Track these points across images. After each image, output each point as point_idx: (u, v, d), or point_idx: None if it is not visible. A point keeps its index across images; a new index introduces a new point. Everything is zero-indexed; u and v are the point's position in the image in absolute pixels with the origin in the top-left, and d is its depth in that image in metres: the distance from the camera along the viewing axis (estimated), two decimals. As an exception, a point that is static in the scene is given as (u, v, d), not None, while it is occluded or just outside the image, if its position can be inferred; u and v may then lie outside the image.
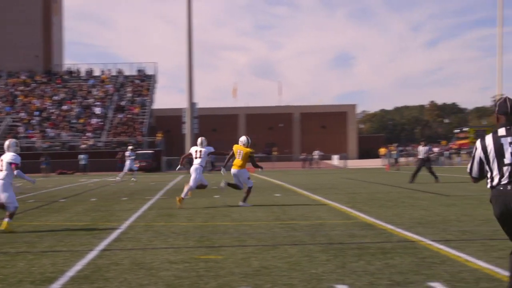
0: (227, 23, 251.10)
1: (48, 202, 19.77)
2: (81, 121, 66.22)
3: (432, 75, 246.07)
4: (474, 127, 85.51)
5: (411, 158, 65.22)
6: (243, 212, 15.13)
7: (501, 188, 5.51)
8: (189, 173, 15.51)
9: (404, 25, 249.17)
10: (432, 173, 28.01)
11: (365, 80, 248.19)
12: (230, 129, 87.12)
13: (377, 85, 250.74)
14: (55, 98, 71.15)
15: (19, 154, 12.67)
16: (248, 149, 17.11)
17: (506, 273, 7.22)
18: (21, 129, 64.25)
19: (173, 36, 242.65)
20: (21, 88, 73.63)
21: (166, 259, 8.61)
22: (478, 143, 5.71)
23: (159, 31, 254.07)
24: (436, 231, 10.97)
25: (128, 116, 67.08)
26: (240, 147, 17.16)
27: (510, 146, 5.48)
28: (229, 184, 17.29)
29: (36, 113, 67.51)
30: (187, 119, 57.20)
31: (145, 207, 17.10)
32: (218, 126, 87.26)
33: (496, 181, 5.57)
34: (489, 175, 5.67)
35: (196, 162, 17.37)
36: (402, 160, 60.34)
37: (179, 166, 18.28)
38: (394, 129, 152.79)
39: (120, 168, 39.80)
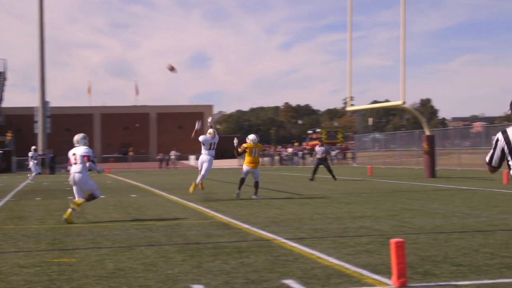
0: (81, 20, 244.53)
1: None
2: None
3: (286, 77, 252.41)
4: (326, 128, 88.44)
5: (266, 159, 66.49)
6: (98, 213, 14.81)
7: None
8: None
9: (259, 27, 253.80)
10: (330, 172, 29.06)
11: (221, 81, 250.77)
12: (85, 128, 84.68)
13: (234, 86, 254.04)
14: None
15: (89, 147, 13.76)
16: (260, 146, 18.76)
17: (355, 269, 7.52)
18: None
19: (23, 32, 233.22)
20: None
21: (16, 263, 8.26)
22: (500, 135, 5.94)
23: (8, 26, 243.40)
24: (289, 230, 11.24)
25: (-26, 114, 63.76)
26: (257, 145, 18.52)
27: None
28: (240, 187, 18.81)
29: None
30: (39, 118, 55.34)
31: (-7, 209, 16.32)
32: (72, 125, 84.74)
33: None
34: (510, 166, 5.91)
35: (207, 152, 18.55)
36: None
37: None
38: (250, 130, 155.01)
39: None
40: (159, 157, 65.16)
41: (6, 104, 76.13)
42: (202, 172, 18.50)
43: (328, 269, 7.56)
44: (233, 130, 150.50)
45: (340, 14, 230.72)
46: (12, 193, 23.01)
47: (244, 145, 18.61)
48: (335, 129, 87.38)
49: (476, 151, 44.77)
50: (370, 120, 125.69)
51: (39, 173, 35.46)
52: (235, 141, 20.30)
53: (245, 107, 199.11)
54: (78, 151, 13.32)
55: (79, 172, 13.15)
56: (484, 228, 11.05)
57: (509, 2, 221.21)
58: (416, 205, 15.56)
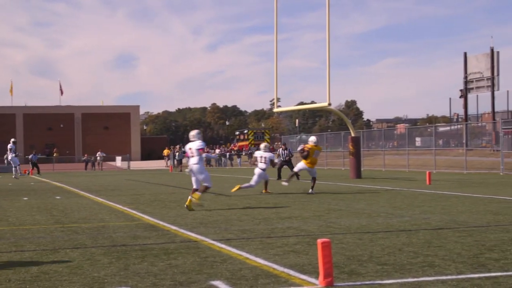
0: (1, 18, 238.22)
1: None
2: None
3: (213, 78, 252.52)
4: (253, 129, 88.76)
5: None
6: (20, 216, 14.46)
7: None
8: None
9: (185, 27, 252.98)
10: (295, 172, 29.29)
11: (148, 82, 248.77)
12: (7, 129, 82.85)
13: (160, 86, 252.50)
14: None
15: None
16: (320, 147, 20.60)
17: (283, 269, 7.57)
18: None
19: None
20: None
21: None
22: None
23: None
24: (218, 231, 11.23)
25: None
26: (317, 147, 20.36)
27: None
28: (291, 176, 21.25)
29: None
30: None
31: None
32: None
33: None
34: None
35: (260, 166, 19.58)
36: (185, 161, 61.07)
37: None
38: (177, 131, 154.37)
39: None
40: (84, 158, 64.08)
41: None
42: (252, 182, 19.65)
43: (256, 270, 7.59)
44: (160, 131, 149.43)
45: (266, 16, 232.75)
46: None
47: (308, 146, 20.26)
48: (262, 130, 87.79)
49: (400, 152, 45.78)
50: (297, 121, 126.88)
51: (19, 165, 34.57)
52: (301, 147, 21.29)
53: (172, 108, 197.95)
54: (193, 145, 15.50)
55: (196, 163, 15.33)
56: (408, 227, 11.30)
57: (428, 7, 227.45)
58: (342, 206, 15.79)
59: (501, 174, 31.79)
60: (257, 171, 19.80)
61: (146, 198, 19.35)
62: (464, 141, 41.15)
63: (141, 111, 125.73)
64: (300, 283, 6.86)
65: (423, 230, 10.91)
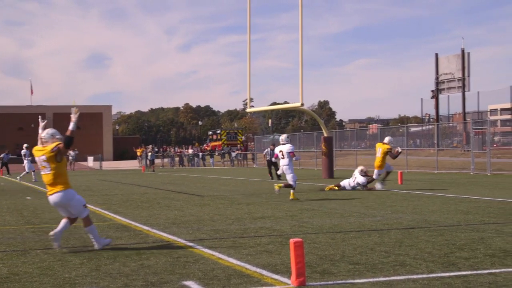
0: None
1: None
2: None
3: (186, 78, 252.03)
4: (226, 129, 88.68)
5: (166, 160, 66.05)
6: (-10, 216, 14.29)
7: None
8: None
9: (158, 27, 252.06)
10: (276, 172, 29.47)
11: (120, 82, 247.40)
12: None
13: (133, 86, 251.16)
14: None
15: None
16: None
17: (255, 269, 7.57)
18: None
19: None
20: None
21: None
22: None
23: None
24: (190, 231, 11.21)
25: None
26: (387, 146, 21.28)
27: None
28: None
29: None
30: None
31: None
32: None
33: None
34: None
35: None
36: (157, 161, 60.87)
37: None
38: (150, 131, 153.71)
39: None
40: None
41: None
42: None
43: (228, 270, 7.58)
44: (133, 131, 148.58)
45: (239, 16, 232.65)
46: None
47: (390, 147, 21.09)
48: (235, 130, 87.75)
49: (372, 152, 46.01)
50: (270, 122, 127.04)
51: (28, 173, 34.34)
52: (399, 150, 22.38)
53: (145, 108, 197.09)
54: (284, 148, 17.62)
55: (287, 164, 17.55)
56: (380, 227, 11.37)
57: (400, 8, 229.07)
58: (314, 205, 15.84)
59: (472, 174, 32.12)
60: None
61: (118, 199, 19.24)
62: (435, 141, 41.53)
63: (114, 111, 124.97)
64: (272, 283, 6.86)
65: (395, 229, 10.98)
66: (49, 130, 9.49)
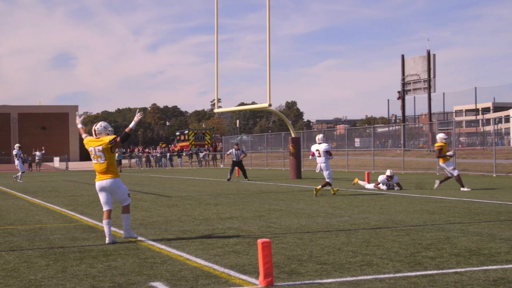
0: None
1: None
2: None
3: (154, 78, 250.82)
4: (194, 130, 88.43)
5: (133, 160, 65.65)
6: (-46, 218, 14.07)
7: None
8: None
9: (125, 27, 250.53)
10: (244, 172, 29.27)
11: (87, 81, 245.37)
12: None
13: (100, 86, 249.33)
14: None
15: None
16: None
17: (223, 269, 7.56)
18: None
19: None
20: None
21: None
22: None
23: None
24: (158, 232, 11.16)
25: None
26: (446, 144, 21.23)
27: None
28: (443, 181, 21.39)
29: None
30: None
31: None
32: None
33: None
34: None
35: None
36: (124, 162, 60.50)
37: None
38: (117, 131, 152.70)
39: None
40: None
41: None
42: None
43: (196, 271, 7.57)
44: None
45: (207, 16, 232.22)
46: None
47: (441, 144, 21.08)
48: (203, 131, 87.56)
49: (339, 152, 46.27)
50: (238, 122, 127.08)
51: (23, 172, 33.89)
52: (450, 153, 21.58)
53: (112, 108, 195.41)
54: (321, 147, 19.15)
55: (324, 162, 19.07)
56: (347, 227, 11.44)
57: (367, 9, 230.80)
58: (282, 206, 15.88)
59: (437, 174, 32.46)
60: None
61: (84, 199, 19.08)
62: (401, 142, 41.91)
63: (80, 111, 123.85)
64: (240, 283, 6.87)
65: (362, 229, 11.06)
66: (102, 123, 10.51)
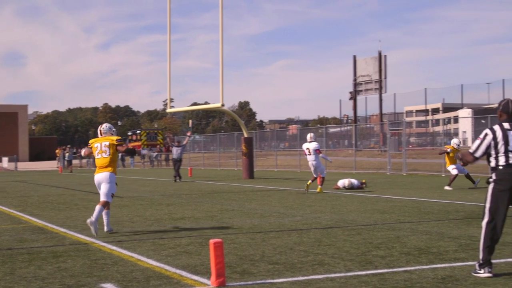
0: None
1: None
2: None
3: (105, 78, 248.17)
4: (146, 130, 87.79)
5: (84, 160, 64.84)
6: None
7: (510, 167, 7.06)
8: None
9: (76, 26, 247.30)
10: (178, 173, 28.86)
11: (37, 80, 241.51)
12: None
13: (50, 85, 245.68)
14: None
15: None
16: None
17: (175, 270, 7.53)
18: None
19: None
20: None
21: None
22: (489, 131, 7.19)
23: None
24: (109, 233, 11.04)
25: None
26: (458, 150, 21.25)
27: None
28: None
29: None
30: None
31: None
32: None
33: (502, 161, 7.09)
34: (493, 157, 7.17)
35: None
36: (75, 162, 59.72)
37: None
38: (68, 131, 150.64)
39: None
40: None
41: None
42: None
43: (147, 271, 7.51)
44: (50, 131, 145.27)
45: (160, 16, 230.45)
46: None
47: (448, 148, 21.69)
48: (155, 131, 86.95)
49: (291, 152, 46.52)
50: (190, 122, 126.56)
51: None
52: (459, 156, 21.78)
53: (62, 108, 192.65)
54: (311, 146, 19.89)
55: (314, 160, 19.81)
56: (299, 227, 11.49)
57: (320, 10, 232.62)
58: (235, 206, 15.88)
59: (388, 174, 32.87)
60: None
61: (34, 200, 18.78)
62: (353, 142, 42.32)
63: (30, 111, 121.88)
64: (192, 283, 6.84)
65: (314, 229, 11.13)
66: (107, 124, 11.69)
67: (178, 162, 29.71)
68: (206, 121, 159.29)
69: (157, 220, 12.97)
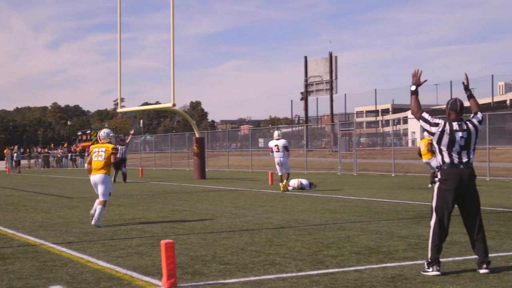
0: None
1: None
2: None
3: (54, 77, 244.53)
4: (96, 130, 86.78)
5: (33, 161, 63.82)
6: None
7: (455, 167, 7.18)
8: None
9: (25, 24, 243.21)
10: (124, 173, 28.25)
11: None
12: None
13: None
14: None
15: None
16: None
17: (125, 271, 7.46)
18: None
19: None
20: None
21: None
22: (442, 121, 7.26)
23: None
24: (58, 234, 10.90)
25: None
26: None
27: (460, 139, 7.19)
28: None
29: None
30: None
31: None
32: None
33: (447, 161, 7.22)
34: (438, 152, 7.33)
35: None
36: (24, 162, 58.72)
37: None
38: (16, 131, 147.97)
39: None
40: None
41: None
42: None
43: (97, 273, 7.43)
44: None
45: (110, 14, 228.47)
46: None
47: (422, 142, 21.44)
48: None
49: (243, 153, 46.58)
50: (141, 122, 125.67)
51: None
52: None
53: (10, 107, 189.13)
54: (280, 143, 20.80)
55: (282, 157, 20.69)
56: (251, 227, 11.51)
57: (272, 11, 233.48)
58: (186, 206, 15.82)
59: (339, 174, 33.18)
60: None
61: (-20, 201, 18.40)
62: (304, 142, 42.58)
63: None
64: (143, 285, 6.80)
65: (265, 229, 11.16)
66: (106, 130, 12.90)
67: (122, 161, 29.07)
68: (158, 121, 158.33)
69: (108, 221, 12.84)
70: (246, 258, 8.22)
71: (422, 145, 21.72)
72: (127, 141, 30.46)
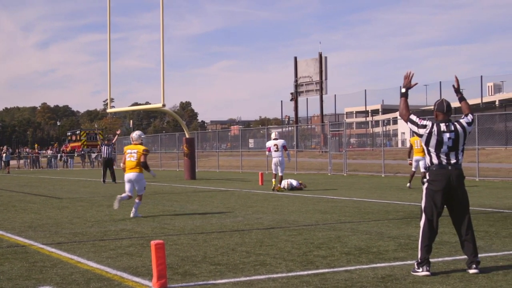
0: None
1: None
2: None
3: (44, 77, 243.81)
4: (86, 130, 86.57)
5: (22, 161, 63.60)
6: None
7: (444, 168, 7.23)
8: None
9: (14, 24, 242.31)
10: (112, 173, 28.02)
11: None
12: None
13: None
14: None
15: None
16: None
17: (116, 272, 7.44)
18: None
19: None
20: None
21: None
22: (430, 123, 7.31)
23: None
24: (47, 234, 10.86)
25: None
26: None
27: (448, 140, 7.24)
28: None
29: None
30: None
31: None
32: None
33: (435, 162, 7.28)
34: (426, 153, 7.39)
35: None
36: (13, 162, 58.47)
37: None
38: (5, 131, 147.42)
39: None
40: None
41: None
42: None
43: (88, 274, 7.41)
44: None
45: (100, 14, 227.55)
46: None
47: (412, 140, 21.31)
48: (95, 131, 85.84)
49: (233, 153, 46.53)
50: (131, 122, 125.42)
51: None
52: None
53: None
54: (279, 142, 20.94)
55: (280, 156, 20.81)
56: (241, 227, 11.51)
57: (262, 11, 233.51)
58: (176, 207, 15.80)
59: (329, 174, 33.21)
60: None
61: (-31, 202, 18.31)
62: (294, 143, 42.60)
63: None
64: (133, 285, 6.78)
65: (256, 229, 11.16)
66: (138, 132, 14.35)
67: (109, 161, 28.88)
68: (148, 121, 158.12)
69: (98, 221, 12.81)
70: (236, 259, 8.22)
71: (417, 142, 21.51)
72: (113, 141, 30.38)
